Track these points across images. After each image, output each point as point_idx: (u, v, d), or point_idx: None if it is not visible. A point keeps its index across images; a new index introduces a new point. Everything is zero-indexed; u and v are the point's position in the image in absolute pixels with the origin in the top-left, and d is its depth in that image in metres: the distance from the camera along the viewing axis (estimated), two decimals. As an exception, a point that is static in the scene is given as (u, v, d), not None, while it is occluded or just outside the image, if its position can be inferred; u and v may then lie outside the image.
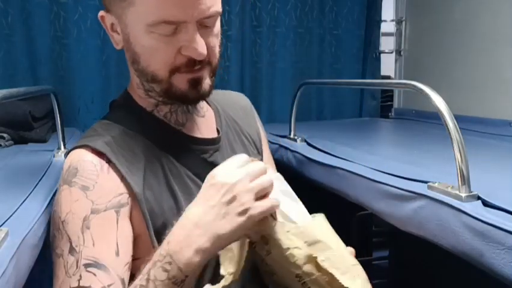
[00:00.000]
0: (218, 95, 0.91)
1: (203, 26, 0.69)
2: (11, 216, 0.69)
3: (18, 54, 1.56)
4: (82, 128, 1.59)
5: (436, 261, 1.40)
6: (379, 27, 2.03)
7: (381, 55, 2.06)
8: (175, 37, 0.68)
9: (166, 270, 0.59)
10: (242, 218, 0.59)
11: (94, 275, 0.62)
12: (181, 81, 0.71)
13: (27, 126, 1.30)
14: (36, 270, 0.68)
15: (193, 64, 0.70)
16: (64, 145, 1.15)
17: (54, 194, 0.84)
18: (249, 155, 0.75)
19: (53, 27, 1.59)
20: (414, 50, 1.97)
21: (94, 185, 0.67)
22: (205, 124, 0.83)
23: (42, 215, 0.74)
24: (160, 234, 0.68)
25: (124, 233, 0.67)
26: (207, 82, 0.73)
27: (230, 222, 0.59)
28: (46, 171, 0.97)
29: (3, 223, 0.66)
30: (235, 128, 0.88)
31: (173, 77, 0.71)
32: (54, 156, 1.10)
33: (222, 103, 0.90)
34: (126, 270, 0.66)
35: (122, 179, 0.69)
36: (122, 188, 0.69)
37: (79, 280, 0.62)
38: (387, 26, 2.04)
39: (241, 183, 0.60)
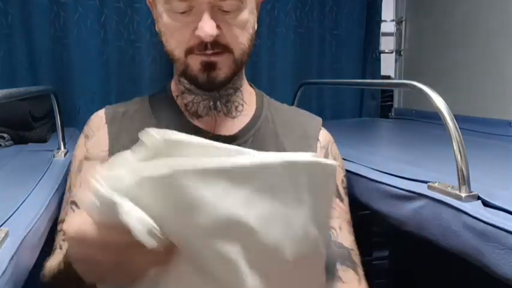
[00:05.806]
0: (288, 109, 0.90)
1: (220, 10, 0.69)
2: (11, 216, 0.69)
3: (18, 54, 1.56)
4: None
5: (436, 261, 1.40)
6: (379, 27, 2.02)
7: (381, 55, 2.05)
8: (190, 18, 0.69)
9: None
10: None
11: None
12: (194, 63, 0.72)
13: (27, 126, 1.30)
14: (36, 270, 0.68)
15: (205, 47, 0.70)
16: (64, 145, 1.15)
17: (54, 194, 0.84)
18: None
19: (53, 27, 1.58)
20: (414, 50, 1.97)
21: (92, 136, 0.80)
22: (230, 125, 0.80)
23: (42, 215, 0.74)
24: None
25: None
26: (223, 71, 0.72)
27: None
28: (46, 171, 0.97)
29: (3, 223, 0.65)
30: (270, 142, 0.81)
31: (188, 58, 0.72)
32: (54, 156, 1.10)
33: (277, 116, 0.86)
34: None
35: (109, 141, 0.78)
36: (107, 147, 0.78)
37: (66, 213, 0.74)
38: (387, 26, 2.04)
39: None
